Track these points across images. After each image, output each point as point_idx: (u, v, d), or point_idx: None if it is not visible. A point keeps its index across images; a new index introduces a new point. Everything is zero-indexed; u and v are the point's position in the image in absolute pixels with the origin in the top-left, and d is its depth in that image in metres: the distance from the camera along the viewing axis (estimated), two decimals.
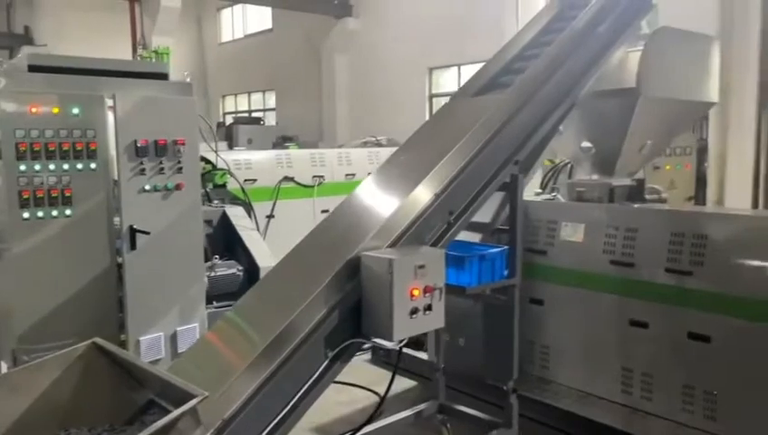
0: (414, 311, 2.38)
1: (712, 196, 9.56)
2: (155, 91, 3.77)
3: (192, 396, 1.77)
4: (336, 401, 4.16)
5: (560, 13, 3.92)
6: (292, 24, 18.50)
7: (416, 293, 2.38)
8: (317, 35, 17.51)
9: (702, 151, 9.93)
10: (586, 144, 4.04)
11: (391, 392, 4.39)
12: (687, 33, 3.81)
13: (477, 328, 4.09)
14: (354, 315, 2.45)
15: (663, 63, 3.63)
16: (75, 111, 3.54)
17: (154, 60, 10.77)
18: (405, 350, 4.78)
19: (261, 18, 21.00)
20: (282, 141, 13.15)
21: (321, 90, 17.80)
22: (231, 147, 11.49)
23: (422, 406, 3.49)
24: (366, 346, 4.96)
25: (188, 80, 4.03)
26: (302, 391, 2.31)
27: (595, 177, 4.15)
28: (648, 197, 4.23)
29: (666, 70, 3.64)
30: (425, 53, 14.36)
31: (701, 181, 9.83)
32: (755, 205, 9.28)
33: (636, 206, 3.79)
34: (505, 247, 3.13)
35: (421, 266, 2.40)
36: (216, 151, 5.98)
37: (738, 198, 9.27)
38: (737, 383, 3.17)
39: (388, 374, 4.74)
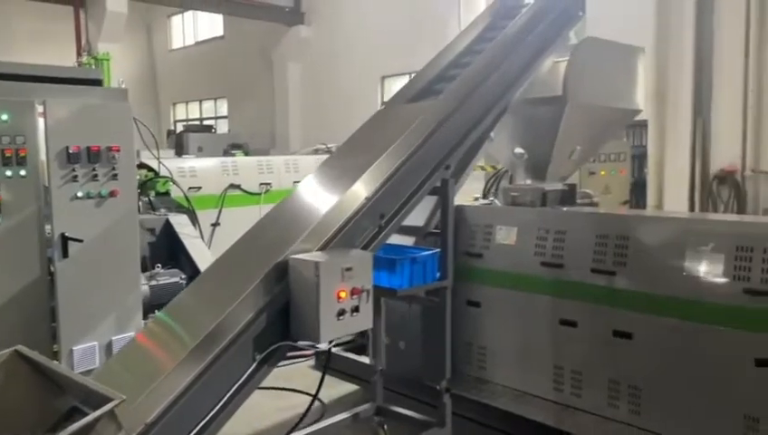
0: (341, 312, 2.43)
1: (651, 200, 9.94)
2: (88, 98, 3.72)
3: (110, 400, 1.77)
4: (276, 407, 4.17)
5: (492, 22, 4.06)
6: (243, 31, 18.41)
7: (343, 295, 2.43)
8: (269, 43, 17.47)
9: (642, 158, 10.32)
10: (519, 150, 4.17)
11: (333, 397, 4.48)
12: (613, 43, 3.99)
13: (417, 331, 4.18)
14: (283, 318, 2.47)
15: (588, 72, 3.79)
16: (4, 117, 3.47)
17: (94, 66, 10.55)
18: (348, 354, 4.86)
19: (212, 25, 20.81)
20: (232, 149, 13.06)
21: (274, 97, 17.75)
22: (180, 154, 11.34)
23: (359, 408, 3.53)
24: (310, 353, 5.05)
25: (123, 86, 4.00)
26: (229, 393, 2.32)
27: (528, 182, 4.29)
28: (579, 201, 4.39)
29: (591, 78, 3.80)
30: (377, 61, 14.50)
31: (641, 187, 10.21)
32: (692, 208, 9.69)
33: (565, 209, 3.93)
34: (437, 250, 3.21)
35: (348, 269, 2.44)
36: (158, 159, 5.92)
37: (676, 202, 9.67)
38: (659, 378, 3.31)
39: (330, 379, 4.81)
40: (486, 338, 4.12)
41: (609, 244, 3.50)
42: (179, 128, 19.26)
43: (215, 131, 17.32)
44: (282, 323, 2.48)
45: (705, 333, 3.12)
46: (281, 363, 5.10)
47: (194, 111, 22.80)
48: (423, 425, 3.32)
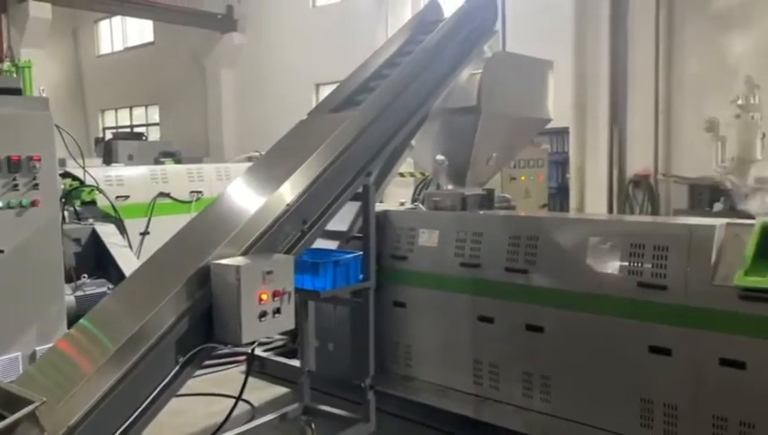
0: (263, 314, 2.54)
1: (574, 204, 10.47)
2: (7, 107, 3.68)
3: (30, 402, 1.82)
4: (207, 413, 4.21)
5: (412, 36, 4.25)
6: (175, 37, 18.10)
7: (264, 297, 2.54)
8: (202, 50, 17.26)
9: (564, 164, 10.83)
10: (440, 157, 4.38)
11: (264, 400, 4.56)
12: (523, 57, 4.26)
13: (346, 333, 4.31)
14: (206, 321, 2.56)
15: (500, 84, 4.04)
16: None
17: (15, 74, 10.21)
18: (278, 358, 4.95)
19: (142, 31, 20.37)
20: (163, 157, 12.84)
21: (207, 105, 17.54)
22: (109, 163, 11.09)
23: (287, 409, 3.63)
24: (242, 358, 5.10)
25: (44, 94, 3.97)
26: (151, 396, 2.39)
27: (450, 187, 4.51)
28: (497, 204, 4.65)
29: (503, 89, 4.06)
30: (311, 68, 14.57)
31: (564, 191, 10.72)
32: (610, 211, 10.25)
33: (481, 213, 4.16)
34: (360, 253, 3.36)
35: (269, 272, 2.56)
36: (83, 167, 5.84)
37: (596, 205, 10.22)
38: (566, 367, 3.57)
39: (262, 383, 4.89)
40: (411, 337, 4.30)
41: (521, 244, 3.75)
42: (108, 135, 18.73)
43: (145, 139, 16.94)
44: (205, 326, 2.56)
45: (605, 324, 3.40)
46: (212, 369, 5.18)
47: (124, 118, 22.19)
48: (349, 422, 3.46)
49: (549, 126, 10.54)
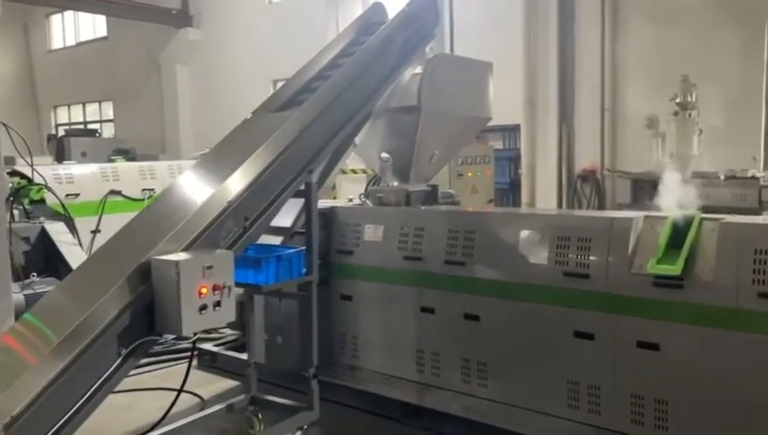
0: (203, 307, 2.65)
1: (525, 199, 10.78)
2: None
3: None
4: (158, 407, 4.27)
5: (355, 38, 4.39)
6: (129, 32, 17.82)
7: (204, 291, 2.65)
8: (156, 45, 17.04)
9: (516, 160, 11.13)
10: (385, 155, 4.55)
11: (215, 393, 4.66)
12: (463, 58, 4.46)
13: (294, 327, 4.44)
14: (148, 315, 2.66)
15: (440, 84, 4.22)
16: None
17: None
18: (229, 352, 5.05)
19: (94, 25, 19.98)
20: (118, 154, 12.69)
21: (163, 101, 17.34)
22: (61, 160, 10.93)
23: (234, 400, 3.74)
24: (190, 353, 5.18)
25: None
26: (94, 386, 2.48)
27: (395, 184, 4.67)
28: (442, 200, 4.83)
29: (442, 90, 4.23)
30: (268, 64, 14.55)
31: (516, 186, 11.02)
32: (560, 205, 10.60)
33: (423, 208, 4.34)
34: (303, 248, 3.49)
35: (209, 267, 2.67)
36: (31, 165, 5.81)
37: (546, 199, 10.55)
38: (501, 353, 3.78)
39: (213, 377, 4.98)
40: (358, 328, 4.46)
41: (459, 237, 3.94)
42: (61, 132, 18.35)
43: (99, 136, 16.67)
44: (147, 320, 2.66)
45: (535, 312, 3.61)
46: (165, 365, 5.24)
47: (77, 114, 21.74)
48: (294, 410, 3.59)
49: (501, 123, 10.84)
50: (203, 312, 2.65)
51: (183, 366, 5.19)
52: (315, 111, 3.54)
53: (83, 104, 21.27)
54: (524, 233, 3.65)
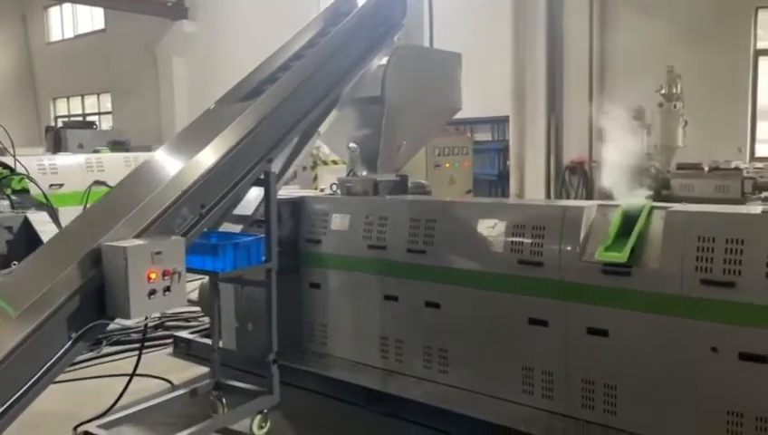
0: (152, 292, 2.72)
1: (513, 190, 10.82)
2: None
3: None
4: (128, 391, 4.35)
5: (324, 29, 4.43)
6: (126, 24, 17.90)
7: (153, 276, 2.72)
8: (153, 37, 17.12)
9: (505, 151, 11.17)
10: (353, 145, 4.60)
11: (186, 379, 4.72)
12: (429, 49, 4.50)
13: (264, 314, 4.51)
14: (99, 299, 2.73)
15: (404, 75, 4.26)
16: None
17: None
18: (201, 339, 5.12)
19: (93, 17, 20.06)
20: (113, 146, 12.78)
21: (159, 93, 17.42)
22: (58, 151, 11.03)
23: (198, 384, 3.82)
24: (169, 341, 5.26)
25: None
26: (44, 368, 2.56)
27: (364, 173, 4.72)
28: (413, 190, 4.87)
29: (407, 81, 4.28)
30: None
31: (505, 177, 11.06)
32: (548, 196, 10.63)
33: (388, 197, 4.39)
34: (261, 236, 3.55)
35: (158, 253, 2.74)
36: (14, 156, 5.90)
37: (535, 190, 10.59)
38: (460, 340, 3.84)
39: (187, 364, 5.06)
40: (326, 316, 4.53)
41: (421, 226, 3.99)
42: (60, 124, 18.45)
43: (96, 127, 16.77)
44: (98, 304, 2.73)
45: (493, 299, 3.67)
46: (131, 353, 5.29)
47: (76, 106, 21.85)
48: (255, 395, 3.66)
49: (490, 115, 10.86)
50: (152, 296, 2.72)
51: (160, 353, 5.32)
52: (275, 101, 3.59)
53: (82, 96, 21.38)
54: (481, 222, 3.70)
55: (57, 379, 4.67)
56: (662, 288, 3.06)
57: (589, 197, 10.13)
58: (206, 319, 5.66)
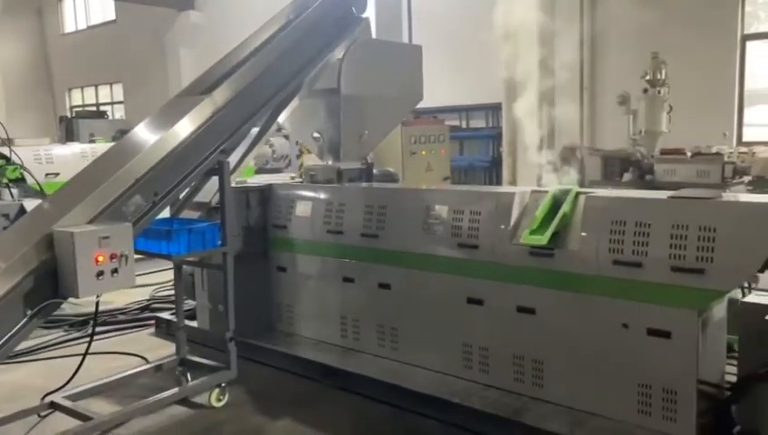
0: (100, 273, 2.98)
1: (506, 176, 10.95)
2: None
3: None
4: (106, 368, 4.63)
5: (287, 23, 4.64)
6: (135, 15, 18.25)
7: (101, 259, 2.98)
8: (161, 28, 17.43)
9: (498, 138, 11.29)
10: (316, 134, 4.82)
11: (159, 357, 5.00)
12: (388, 42, 4.70)
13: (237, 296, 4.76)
14: (53, 280, 3.00)
15: (362, 68, 4.45)
16: None
17: None
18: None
19: (105, 9, 20.44)
20: (122, 136, 13.12)
21: (168, 83, 17.73)
22: (70, 141, 11.38)
23: (164, 361, 4.10)
24: (150, 322, 5.54)
25: None
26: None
27: (330, 162, 4.94)
28: (381, 178, 5.08)
29: (364, 73, 4.47)
30: None
31: (498, 164, 11.19)
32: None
33: (346, 185, 4.60)
34: (216, 222, 3.80)
35: (105, 237, 2.99)
36: (9, 146, 6.21)
37: (527, 178, 10.70)
38: (408, 319, 4.07)
39: (166, 343, 5.34)
40: (293, 298, 4.78)
41: (374, 212, 4.21)
42: (74, 114, 18.92)
43: (107, 117, 17.17)
44: (52, 284, 2.99)
45: (436, 280, 3.88)
46: (123, 332, 5.60)
47: (90, 96, 22.33)
48: (215, 370, 3.93)
49: (484, 102, 10.96)
50: (100, 278, 2.98)
51: (141, 333, 5.62)
52: (228, 94, 3.82)
53: (96, 87, 21.83)
54: (427, 208, 3.90)
55: (36, 357, 5.03)
56: (581, 269, 3.25)
57: (581, 184, 10.21)
58: (191, 302, 5.97)
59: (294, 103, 4.32)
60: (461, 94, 11.19)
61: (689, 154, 8.07)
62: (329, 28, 4.45)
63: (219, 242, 3.80)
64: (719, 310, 3.13)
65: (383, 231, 4.14)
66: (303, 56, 4.27)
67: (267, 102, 4.03)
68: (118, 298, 6.46)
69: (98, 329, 5.67)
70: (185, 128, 3.58)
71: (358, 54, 4.43)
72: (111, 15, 20.14)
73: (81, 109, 20.92)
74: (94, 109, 20.98)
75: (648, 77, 8.32)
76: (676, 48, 8.38)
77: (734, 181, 7.64)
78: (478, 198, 3.77)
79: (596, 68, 10.10)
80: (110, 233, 3.03)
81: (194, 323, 5.27)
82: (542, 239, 3.29)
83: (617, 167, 9.22)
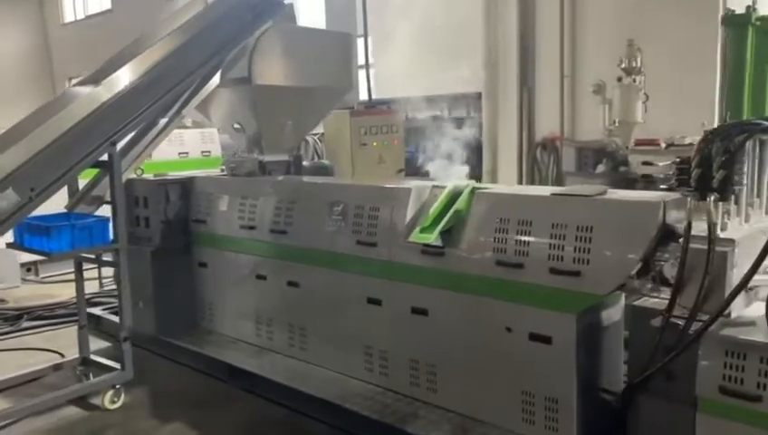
0: None
1: (487, 166, 10.70)
2: None
3: None
4: (17, 365, 4.53)
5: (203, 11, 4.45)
6: (130, 4, 18.16)
7: None
8: (153, 17, 17.30)
9: (479, 127, 11.01)
10: (237, 126, 4.63)
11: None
12: (309, 29, 4.49)
13: (156, 294, 4.63)
14: None
15: (276, 56, 4.25)
16: None
17: None
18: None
19: None
20: None
21: None
22: None
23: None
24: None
25: None
26: None
27: (255, 154, 4.75)
28: (314, 171, 4.89)
29: (278, 62, 4.27)
30: None
31: (478, 153, 10.92)
32: (520, 173, 10.48)
33: (261, 178, 4.42)
34: (104, 217, 3.65)
35: None
36: None
37: (508, 168, 10.46)
38: (315, 319, 3.89)
39: (98, 340, 5.21)
40: (212, 294, 4.63)
41: (283, 208, 4.03)
42: None
43: None
44: None
45: (339, 279, 3.69)
46: (59, 326, 5.49)
47: None
48: (112, 370, 3.79)
49: (463, 91, 10.67)
50: None
51: (71, 329, 5.50)
52: (125, 81, 3.65)
53: None
54: (330, 203, 3.71)
55: None
56: (468, 269, 3.04)
57: (559, 174, 9.94)
58: None
59: (205, 93, 4.15)
60: (441, 83, 10.92)
61: (663, 145, 7.78)
62: (244, 12, 4.24)
63: (111, 238, 3.66)
64: (613, 313, 2.91)
65: (291, 226, 3.97)
66: (214, 42, 4.08)
67: (170, 91, 3.85)
68: (64, 292, 6.38)
69: (33, 323, 5.63)
70: (67, 119, 3.42)
71: (271, 41, 4.23)
72: (108, 5, 20.10)
73: None
74: None
75: (623, 65, 8.01)
76: (655, 36, 8.05)
77: None
78: (376, 194, 3.57)
79: (576, 55, 9.78)
80: None
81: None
82: (430, 238, 3.09)
83: (591, 158, 8.96)
